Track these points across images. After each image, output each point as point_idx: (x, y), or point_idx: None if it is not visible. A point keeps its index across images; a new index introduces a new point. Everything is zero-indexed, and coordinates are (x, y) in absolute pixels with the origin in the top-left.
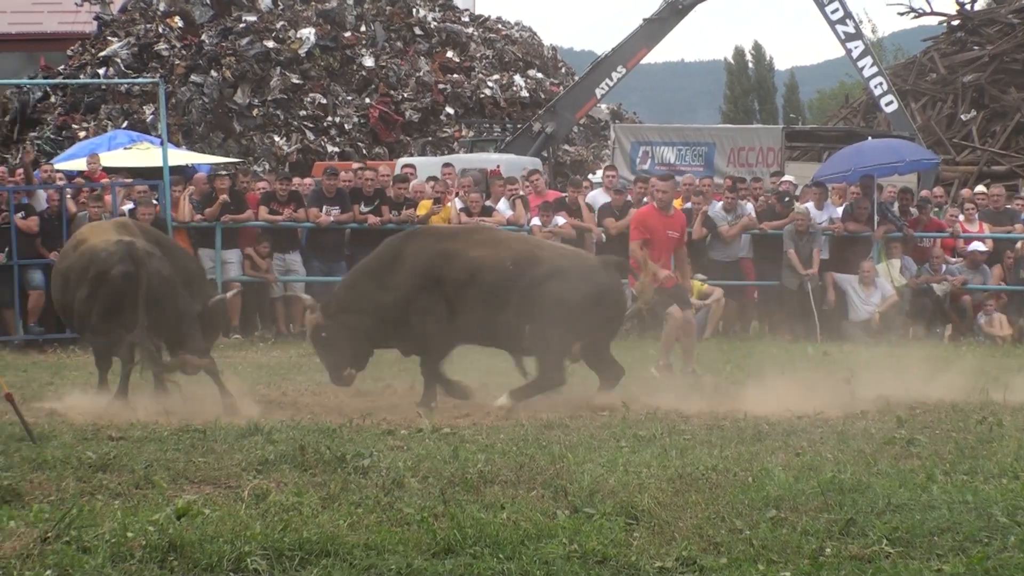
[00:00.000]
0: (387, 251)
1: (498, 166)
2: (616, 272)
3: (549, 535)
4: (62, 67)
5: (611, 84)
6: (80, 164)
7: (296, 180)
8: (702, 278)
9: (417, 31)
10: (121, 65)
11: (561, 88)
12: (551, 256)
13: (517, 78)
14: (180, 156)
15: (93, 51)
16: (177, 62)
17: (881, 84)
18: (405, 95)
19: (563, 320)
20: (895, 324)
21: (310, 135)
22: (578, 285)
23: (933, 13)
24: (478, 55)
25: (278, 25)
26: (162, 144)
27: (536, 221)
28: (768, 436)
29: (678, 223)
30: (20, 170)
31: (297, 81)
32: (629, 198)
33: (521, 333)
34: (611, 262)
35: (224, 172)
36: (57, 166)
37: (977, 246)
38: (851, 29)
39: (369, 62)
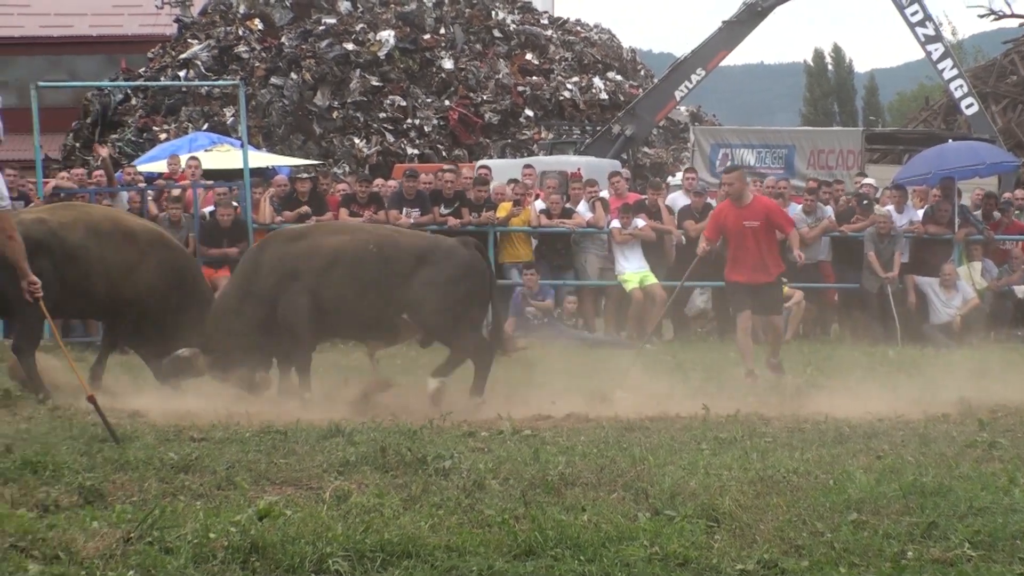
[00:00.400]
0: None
1: (579, 168)
2: (477, 251)
3: (630, 537)
4: (143, 69)
5: (690, 86)
6: (161, 166)
7: (379, 181)
8: (783, 280)
9: (496, 33)
10: (201, 67)
11: (640, 90)
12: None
13: (596, 80)
14: (260, 158)
15: (174, 53)
16: (257, 64)
17: (961, 86)
18: (484, 97)
19: (445, 297)
20: (976, 327)
21: (390, 137)
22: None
23: (1013, 15)
24: (557, 57)
25: (357, 27)
26: (242, 146)
27: (616, 223)
28: (849, 439)
29: (756, 212)
30: (99, 172)
31: (377, 83)
32: (709, 200)
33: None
34: (470, 242)
35: (304, 175)
36: (138, 168)
37: None
38: (931, 31)
39: (448, 64)
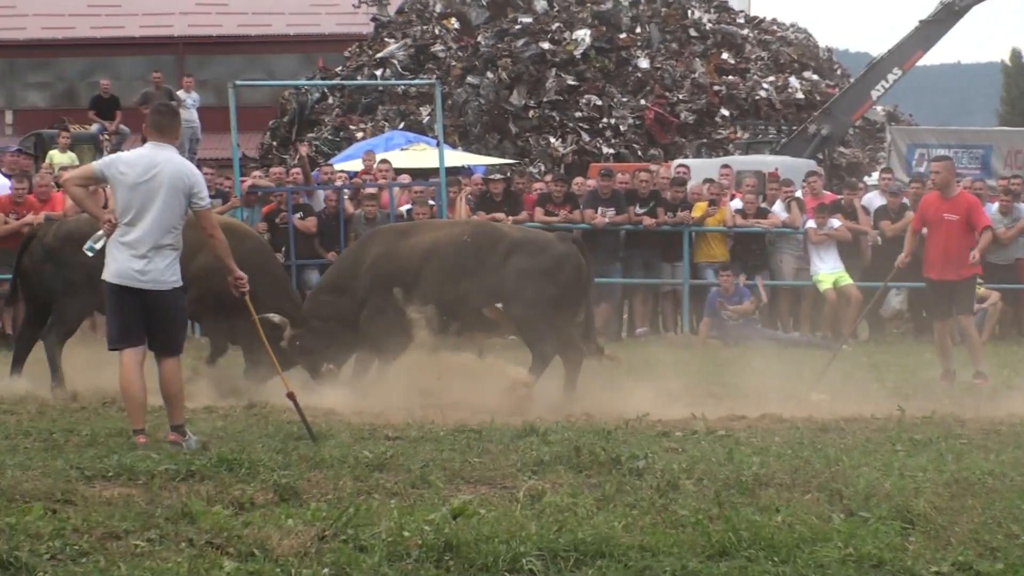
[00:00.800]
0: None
1: (776, 168)
2: (576, 247)
3: (824, 539)
4: (339, 68)
5: (887, 86)
6: (357, 165)
7: (579, 180)
8: (979, 281)
9: (692, 33)
10: (398, 66)
11: (836, 90)
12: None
13: (792, 80)
14: (456, 157)
15: (370, 52)
16: (453, 63)
17: None
18: (680, 97)
19: (535, 289)
20: None
21: (585, 136)
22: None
23: None
24: (753, 57)
25: (553, 27)
26: (438, 145)
27: (811, 223)
28: None
29: (959, 206)
30: (296, 170)
31: (573, 82)
32: (905, 200)
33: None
34: (568, 237)
35: (499, 175)
36: (335, 167)
37: None
38: None
39: (644, 64)
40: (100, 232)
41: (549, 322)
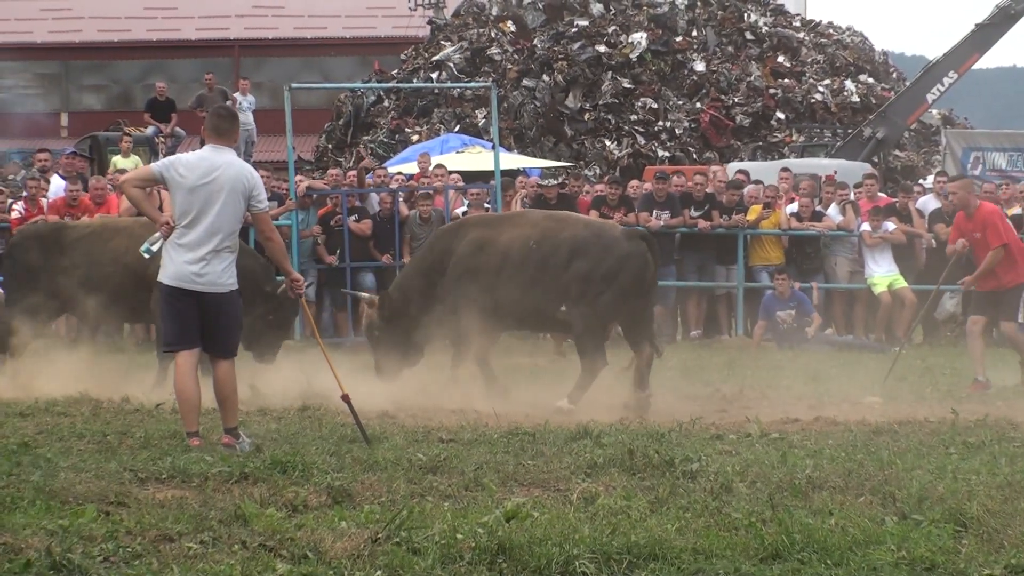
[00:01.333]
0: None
1: (834, 172)
2: (642, 242)
3: (877, 541)
4: (395, 71)
5: (942, 89)
6: (411, 168)
7: (634, 183)
8: None
9: (748, 36)
10: (454, 69)
11: (892, 93)
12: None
13: (848, 83)
14: (511, 160)
15: (426, 55)
16: (509, 66)
17: None
18: (736, 100)
19: (596, 290)
20: None
21: (641, 139)
22: (603, 257)
23: None
24: (809, 60)
25: (609, 30)
26: (494, 148)
27: (866, 226)
28: None
29: (977, 223)
30: (353, 172)
31: (628, 85)
32: None
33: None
34: (636, 234)
35: (554, 179)
36: (389, 170)
37: None
38: None
39: (700, 67)
40: (157, 235)
41: (604, 331)
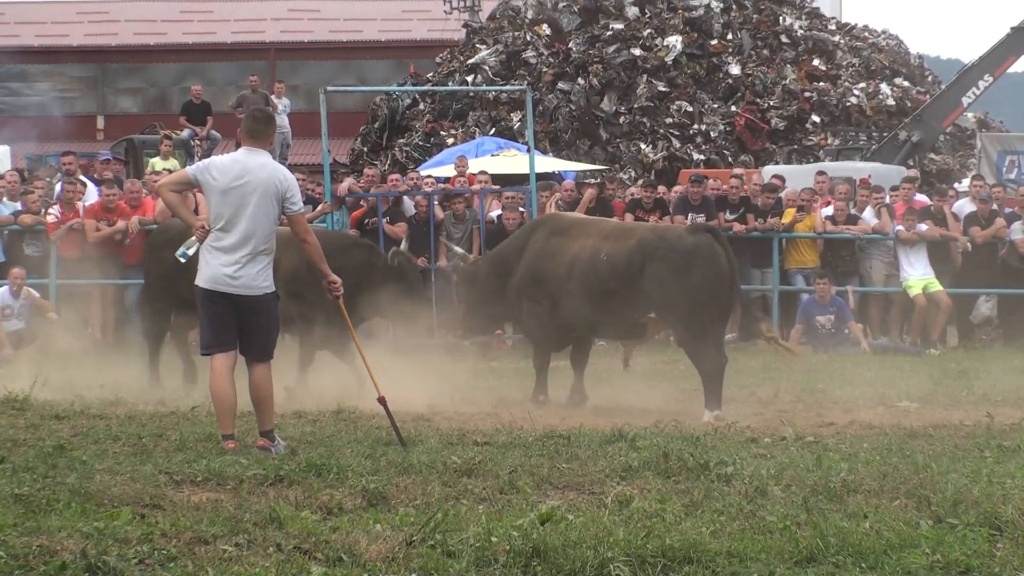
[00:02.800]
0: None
1: (868, 175)
2: (710, 235)
3: (912, 545)
4: (431, 74)
5: (978, 93)
6: (447, 171)
7: (662, 189)
8: None
9: (783, 39)
10: (489, 72)
11: (927, 97)
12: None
13: (883, 86)
14: (547, 163)
15: (461, 58)
16: (544, 69)
17: None
18: (771, 103)
19: (677, 290)
20: None
21: (676, 143)
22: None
23: None
24: (844, 63)
25: (645, 33)
26: (529, 151)
27: (900, 227)
28: None
29: None
30: (395, 175)
31: (663, 89)
32: (995, 207)
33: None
34: (700, 227)
35: (591, 180)
36: (424, 172)
37: None
38: None
39: (735, 70)
40: (193, 239)
41: (705, 329)
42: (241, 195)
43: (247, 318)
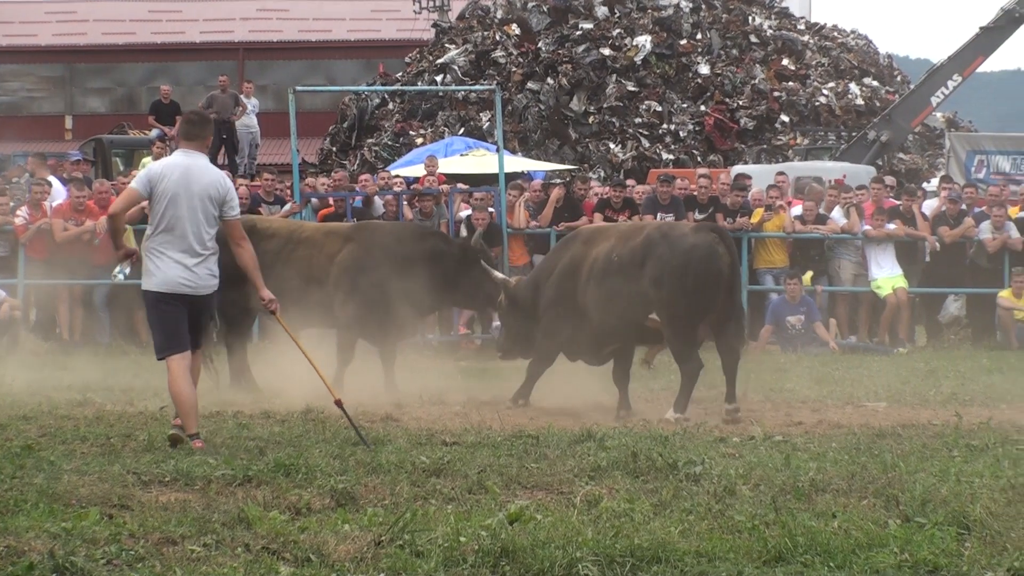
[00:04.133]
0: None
1: (843, 176)
2: (714, 234)
3: (880, 544)
4: (400, 74)
5: (947, 92)
6: (415, 171)
7: (632, 182)
8: None
9: (753, 39)
10: (458, 72)
11: (896, 96)
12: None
13: (852, 86)
14: (516, 163)
15: (431, 58)
16: (514, 69)
17: None
18: (740, 103)
19: (671, 290)
20: None
21: (645, 142)
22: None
23: None
24: (813, 63)
25: (614, 32)
26: (498, 151)
27: (866, 227)
28: None
29: None
30: (365, 176)
31: (633, 88)
32: (964, 207)
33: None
34: (705, 227)
35: (557, 180)
36: (393, 172)
37: None
38: None
39: (705, 70)
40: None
41: (692, 332)
42: (180, 197)
43: (195, 316)
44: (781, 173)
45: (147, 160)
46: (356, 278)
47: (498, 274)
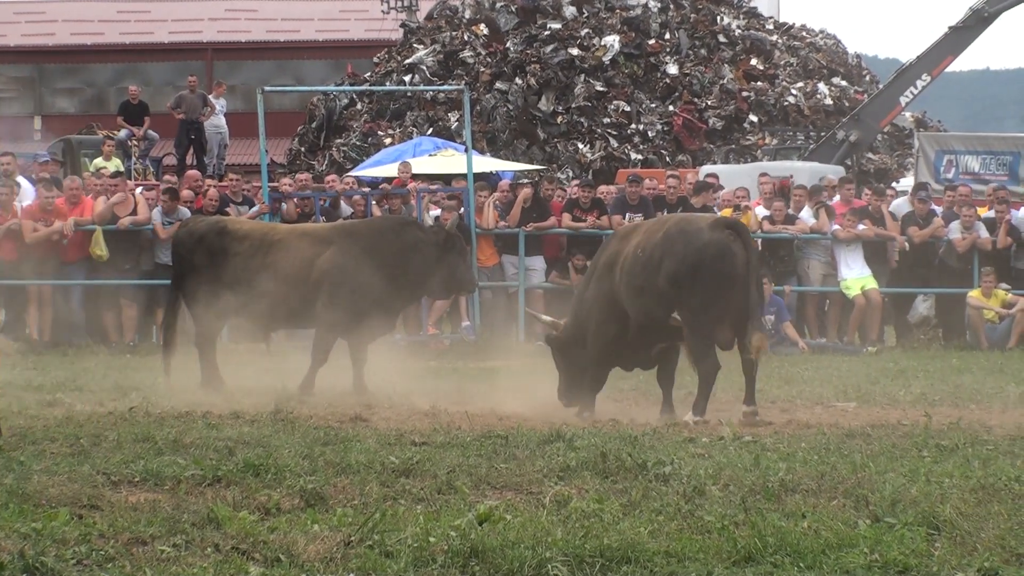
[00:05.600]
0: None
1: (791, 176)
2: (726, 230)
3: (850, 544)
4: (368, 74)
5: (915, 92)
6: (384, 171)
7: (603, 188)
8: (1006, 287)
9: (721, 39)
10: (426, 72)
11: (865, 96)
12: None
13: (821, 86)
14: (484, 163)
15: (399, 58)
16: (482, 69)
17: None
18: (709, 103)
19: (686, 289)
20: None
21: (614, 142)
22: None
23: None
24: (782, 63)
25: (582, 32)
26: (467, 151)
27: (835, 227)
28: None
29: None
30: (331, 177)
31: (601, 88)
32: (933, 207)
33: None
34: (721, 223)
35: (524, 180)
36: (362, 172)
37: None
38: None
39: (673, 70)
40: None
41: (709, 332)
42: None
43: None
44: (764, 174)
45: (98, 161)
46: (342, 280)
47: (544, 316)
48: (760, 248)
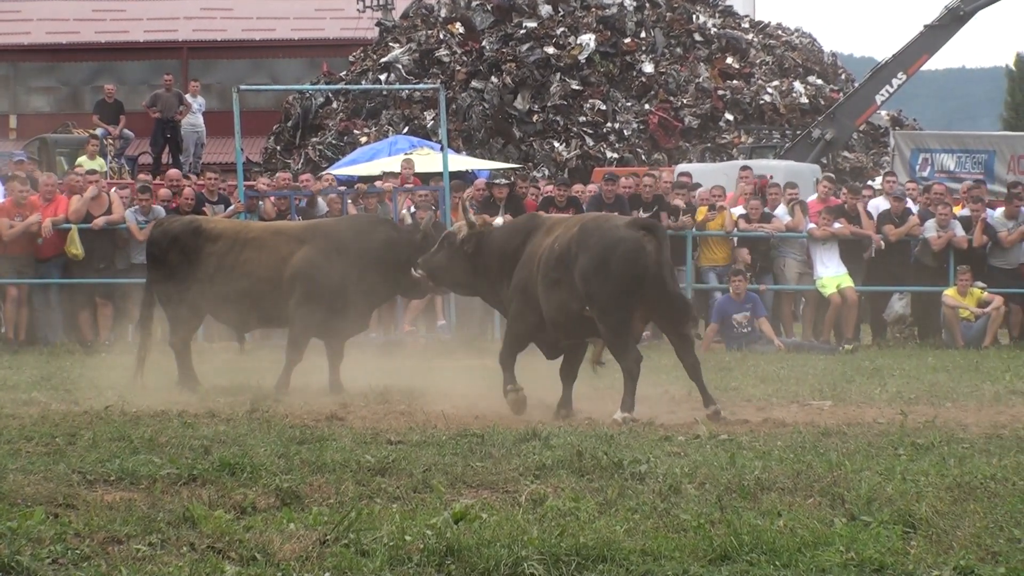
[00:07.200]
0: None
1: (770, 175)
2: (640, 230)
3: (826, 543)
4: (344, 73)
5: (891, 90)
6: (359, 169)
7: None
8: (981, 286)
9: (697, 37)
10: (402, 71)
11: (841, 95)
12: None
13: (797, 84)
14: (460, 162)
15: (375, 57)
16: (458, 68)
17: None
18: (684, 101)
19: (600, 286)
20: None
21: (589, 141)
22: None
23: None
24: (758, 61)
25: (558, 31)
26: (442, 150)
27: (811, 225)
28: None
29: None
30: (305, 176)
31: (577, 87)
32: (909, 205)
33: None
34: (637, 222)
35: (503, 179)
36: (338, 171)
37: None
38: None
39: (649, 68)
40: None
41: (626, 327)
42: None
43: None
44: (745, 168)
45: (83, 159)
46: (316, 279)
47: (471, 215)
48: (736, 246)
